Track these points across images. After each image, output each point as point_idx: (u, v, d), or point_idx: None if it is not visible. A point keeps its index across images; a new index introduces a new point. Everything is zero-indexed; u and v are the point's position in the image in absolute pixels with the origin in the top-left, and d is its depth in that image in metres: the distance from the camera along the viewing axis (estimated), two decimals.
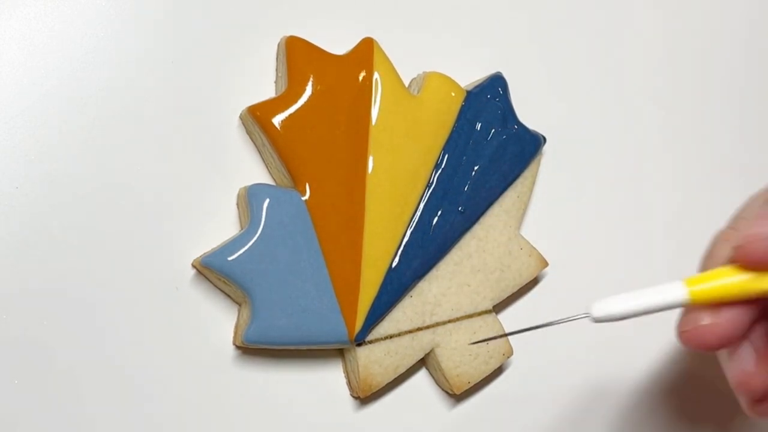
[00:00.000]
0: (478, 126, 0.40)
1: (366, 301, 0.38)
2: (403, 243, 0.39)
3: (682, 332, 0.31)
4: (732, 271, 0.31)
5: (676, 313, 0.33)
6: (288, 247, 0.37)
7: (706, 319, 0.30)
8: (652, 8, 0.45)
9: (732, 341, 0.31)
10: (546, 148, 0.42)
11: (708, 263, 0.33)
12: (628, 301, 0.32)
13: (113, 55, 0.38)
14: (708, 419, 0.44)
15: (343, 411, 0.40)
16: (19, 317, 0.36)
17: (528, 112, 0.41)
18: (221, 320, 0.38)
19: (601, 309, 0.32)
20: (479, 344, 0.40)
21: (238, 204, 0.39)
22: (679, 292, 0.31)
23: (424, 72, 0.40)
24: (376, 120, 0.39)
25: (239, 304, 0.38)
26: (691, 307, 0.31)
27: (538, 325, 0.35)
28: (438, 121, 0.39)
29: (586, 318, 0.32)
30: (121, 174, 0.38)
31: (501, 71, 0.41)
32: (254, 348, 0.38)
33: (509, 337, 0.40)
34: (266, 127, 0.37)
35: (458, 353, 0.40)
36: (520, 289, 0.41)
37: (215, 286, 0.38)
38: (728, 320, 0.30)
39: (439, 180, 0.39)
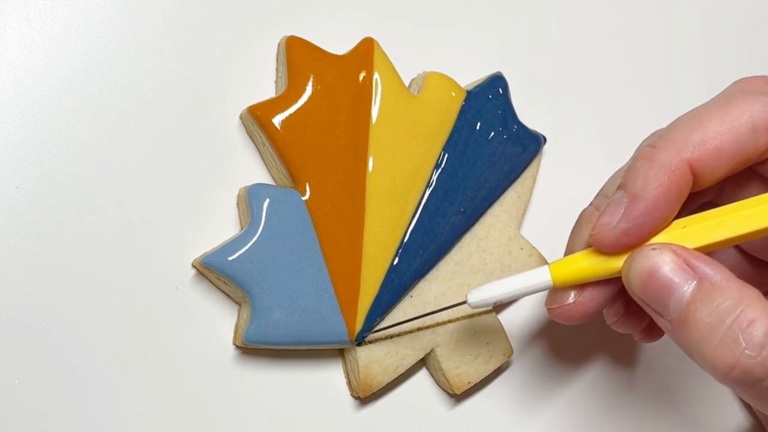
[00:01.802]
0: (478, 126, 0.40)
1: (366, 301, 0.38)
2: (403, 243, 0.39)
3: (550, 309, 0.35)
4: (588, 255, 0.34)
5: None
6: (288, 247, 0.37)
7: (570, 298, 0.35)
8: (651, 8, 0.45)
9: (593, 316, 0.35)
10: (546, 148, 0.42)
11: (572, 241, 0.37)
12: (500, 288, 0.35)
13: (113, 55, 0.38)
14: (713, 417, 0.44)
15: (343, 411, 0.40)
16: (19, 317, 0.36)
17: (528, 112, 0.41)
18: (221, 320, 0.38)
19: (475, 296, 0.35)
20: (479, 344, 0.40)
21: (238, 204, 0.39)
22: (543, 277, 0.35)
23: (424, 72, 0.40)
24: (376, 120, 0.39)
25: (239, 304, 0.38)
26: (554, 290, 0.35)
27: (424, 314, 0.38)
28: (438, 121, 0.39)
29: (465, 305, 0.35)
30: (121, 174, 0.38)
31: (501, 71, 0.41)
32: (254, 348, 0.38)
33: (509, 337, 0.40)
34: (266, 127, 0.37)
35: (458, 353, 0.40)
36: None
37: (215, 286, 0.38)
38: (589, 299, 0.35)
39: (439, 180, 0.39)
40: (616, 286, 0.35)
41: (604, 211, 0.34)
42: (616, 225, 0.33)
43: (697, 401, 0.44)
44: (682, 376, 0.44)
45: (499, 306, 0.41)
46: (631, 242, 0.33)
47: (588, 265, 0.34)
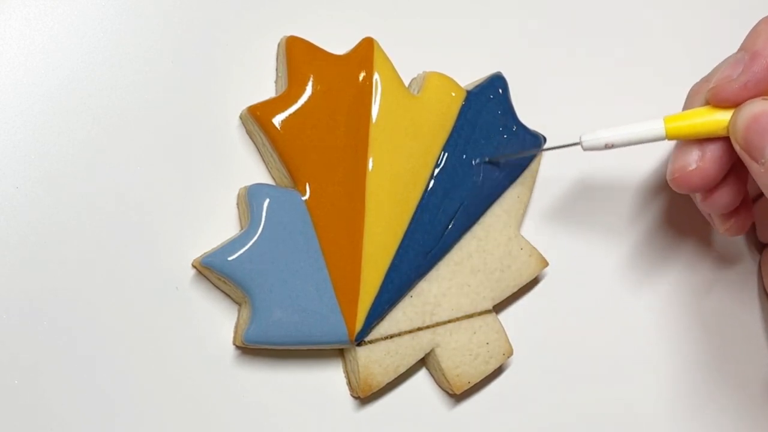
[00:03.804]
0: (478, 126, 0.40)
1: (366, 301, 0.38)
2: (403, 243, 0.39)
3: (674, 178, 0.37)
4: (703, 111, 0.36)
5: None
6: (288, 247, 0.37)
7: (692, 164, 0.36)
8: (652, 8, 0.45)
9: (713, 182, 0.37)
10: None
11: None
12: (614, 131, 0.37)
13: (113, 55, 0.38)
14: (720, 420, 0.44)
15: (343, 411, 0.40)
16: (19, 317, 0.36)
17: (528, 112, 0.41)
18: (221, 320, 0.38)
19: (589, 136, 0.37)
20: (479, 344, 0.40)
21: (238, 204, 0.39)
22: (656, 125, 0.36)
23: (424, 72, 0.40)
24: (376, 120, 0.39)
25: (239, 304, 0.38)
26: (679, 155, 0.37)
27: (530, 151, 0.40)
28: (438, 121, 0.39)
29: (578, 146, 0.37)
30: (120, 174, 0.38)
31: (501, 71, 0.41)
32: (254, 348, 0.38)
33: (509, 337, 0.40)
34: (266, 127, 0.37)
35: (458, 353, 0.40)
36: (520, 289, 0.41)
37: (215, 286, 0.38)
38: (710, 162, 0.36)
39: (439, 180, 0.39)
40: (734, 154, 0.36)
41: (725, 68, 0.36)
42: (736, 78, 0.35)
43: (703, 417, 0.44)
44: (686, 383, 0.44)
45: (499, 306, 0.41)
46: (749, 96, 0.35)
47: (702, 121, 0.36)
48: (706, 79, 0.38)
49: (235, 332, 0.38)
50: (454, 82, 0.40)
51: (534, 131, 0.41)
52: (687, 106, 0.39)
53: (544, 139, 0.42)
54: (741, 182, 0.38)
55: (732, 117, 0.35)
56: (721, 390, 0.44)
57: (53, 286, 0.37)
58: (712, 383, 0.44)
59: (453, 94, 0.40)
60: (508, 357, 0.41)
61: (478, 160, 0.39)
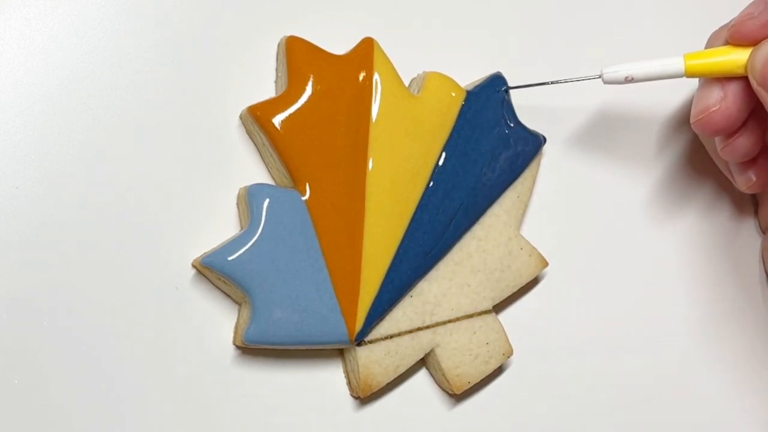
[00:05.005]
0: (478, 126, 0.40)
1: (366, 300, 0.38)
2: (403, 243, 0.39)
3: (697, 120, 0.37)
4: (723, 50, 0.37)
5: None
6: (288, 247, 0.37)
7: (715, 104, 0.36)
8: (652, 7, 0.45)
9: (735, 124, 0.37)
10: (546, 148, 0.42)
11: None
12: (635, 65, 0.37)
13: (113, 55, 0.38)
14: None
15: (343, 411, 0.40)
16: (19, 317, 0.36)
17: (528, 112, 0.41)
18: (221, 320, 0.38)
19: (610, 69, 0.38)
20: (479, 344, 0.40)
21: (238, 204, 0.39)
22: (676, 61, 0.37)
23: (424, 72, 0.40)
24: (376, 120, 0.39)
25: (239, 304, 0.38)
26: (702, 97, 0.37)
27: (547, 82, 0.40)
28: (438, 121, 0.39)
29: (598, 79, 0.38)
30: (120, 174, 0.38)
31: (501, 71, 0.41)
32: (254, 348, 0.38)
33: (509, 337, 0.40)
34: (266, 127, 0.37)
35: (458, 353, 0.40)
36: (520, 289, 0.41)
37: (215, 286, 0.38)
38: (732, 102, 0.36)
39: (439, 180, 0.39)
40: (755, 96, 0.36)
41: (747, 7, 0.36)
42: (757, 16, 0.35)
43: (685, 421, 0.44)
44: (681, 381, 0.44)
45: (499, 306, 0.41)
46: None
47: (722, 59, 0.36)
48: (726, 26, 0.38)
49: (235, 332, 0.38)
50: (454, 82, 0.40)
51: (534, 131, 0.41)
52: (708, 47, 0.38)
53: (544, 139, 0.41)
54: (761, 128, 0.38)
55: (751, 54, 0.36)
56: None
57: (53, 286, 0.37)
58: (713, 384, 0.44)
59: (453, 94, 0.40)
60: (508, 357, 0.41)
61: (504, 87, 0.40)
